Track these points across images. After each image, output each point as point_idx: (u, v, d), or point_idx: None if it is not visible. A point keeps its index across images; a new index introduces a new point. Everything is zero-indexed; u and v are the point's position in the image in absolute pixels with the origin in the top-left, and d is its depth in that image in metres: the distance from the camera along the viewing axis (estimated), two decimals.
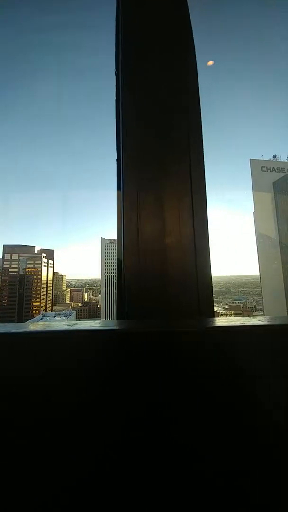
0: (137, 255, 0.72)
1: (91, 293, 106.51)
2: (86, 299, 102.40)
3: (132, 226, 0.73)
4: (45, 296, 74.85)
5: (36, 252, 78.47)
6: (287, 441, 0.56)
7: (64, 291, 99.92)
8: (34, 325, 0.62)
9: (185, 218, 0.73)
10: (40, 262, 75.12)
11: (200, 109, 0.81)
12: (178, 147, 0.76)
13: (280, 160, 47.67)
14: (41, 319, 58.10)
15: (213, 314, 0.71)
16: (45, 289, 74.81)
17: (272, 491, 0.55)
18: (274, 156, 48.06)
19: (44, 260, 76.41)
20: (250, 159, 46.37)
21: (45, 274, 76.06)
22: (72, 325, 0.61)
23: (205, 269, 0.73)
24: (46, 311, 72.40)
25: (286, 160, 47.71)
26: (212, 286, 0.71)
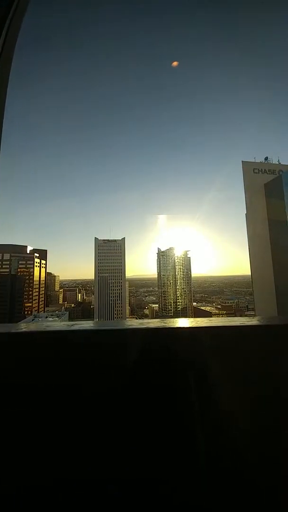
0: None
1: (84, 294, 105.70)
2: (79, 300, 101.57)
3: None
4: (37, 297, 73.82)
5: (28, 252, 77.33)
6: (286, 435, 0.56)
7: (57, 291, 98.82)
8: (34, 325, 0.62)
9: None
10: (32, 262, 74.05)
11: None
12: None
13: (271, 162, 48.45)
14: (32, 320, 57.31)
15: None
16: (37, 290, 73.76)
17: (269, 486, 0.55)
18: (266, 159, 48.78)
19: (37, 260, 75.31)
20: (242, 161, 46.94)
21: (38, 274, 74.98)
22: (72, 325, 0.61)
23: None
24: (38, 312, 71.42)
25: (278, 163, 48.52)
26: None
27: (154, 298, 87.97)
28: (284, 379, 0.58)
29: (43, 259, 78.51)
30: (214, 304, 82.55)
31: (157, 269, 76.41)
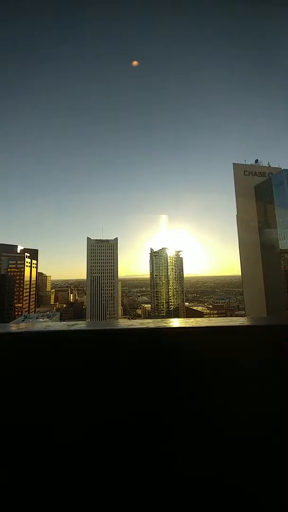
0: None
1: (76, 294, 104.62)
2: (71, 300, 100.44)
3: None
4: (28, 297, 72.51)
5: (18, 251, 75.82)
6: (284, 433, 0.57)
7: (48, 291, 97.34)
8: (34, 325, 0.63)
9: None
10: (22, 262, 72.67)
11: None
12: None
13: (261, 164, 49.46)
14: (23, 321, 56.24)
15: None
16: (28, 290, 72.46)
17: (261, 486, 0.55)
18: (256, 161, 49.77)
19: (27, 260, 73.95)
20: (233, 163, 47.67)
21: (28, 274, 73.65)
22: (72, 325, 0.62)
23: None
24: (29, 313, 70.16)
25: (267, 165, 49.56)
26: None
27: (147, 298, 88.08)
28: (280, 378, 0.59)
29: (34, 259, 77.23)
30: (205, 304, 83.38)
31: (150, 269, 76.65)
